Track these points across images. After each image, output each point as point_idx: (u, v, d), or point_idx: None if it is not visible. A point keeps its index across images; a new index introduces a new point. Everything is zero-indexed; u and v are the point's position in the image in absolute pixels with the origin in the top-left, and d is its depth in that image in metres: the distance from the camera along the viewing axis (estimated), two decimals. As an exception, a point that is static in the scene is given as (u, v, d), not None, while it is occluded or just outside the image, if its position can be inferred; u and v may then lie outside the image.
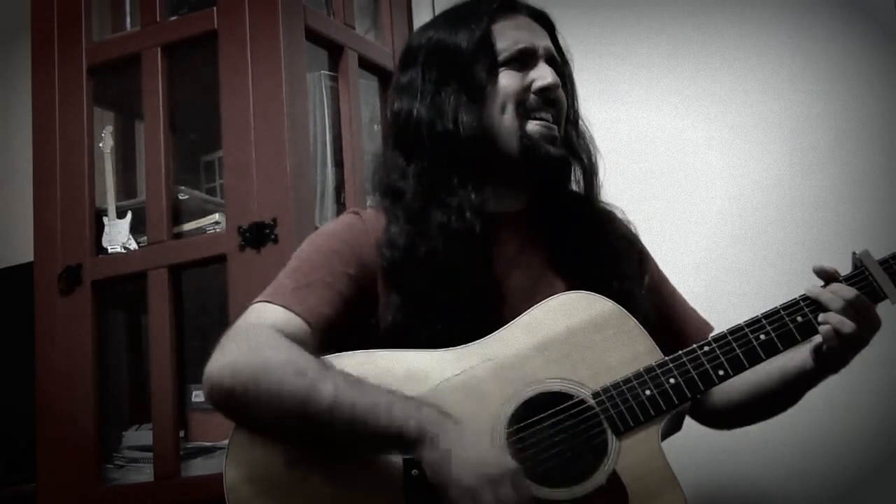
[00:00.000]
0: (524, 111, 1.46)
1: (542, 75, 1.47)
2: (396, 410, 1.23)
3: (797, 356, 1.41)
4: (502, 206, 1.49)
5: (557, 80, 1.48)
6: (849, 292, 1.34)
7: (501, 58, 1.48)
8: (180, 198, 2.06)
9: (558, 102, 1.49)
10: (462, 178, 1.43)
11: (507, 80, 1.47)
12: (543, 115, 1.47)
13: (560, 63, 1.53)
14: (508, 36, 1.49)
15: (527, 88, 1.47)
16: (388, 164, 1.50)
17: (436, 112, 1.46)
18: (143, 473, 2.00)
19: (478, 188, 1.43)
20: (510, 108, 1.46)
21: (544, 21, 1.55)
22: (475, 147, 1.44)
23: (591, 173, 1.52)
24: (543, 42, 1.51)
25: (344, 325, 1.38)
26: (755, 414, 1.54)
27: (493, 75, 1.47)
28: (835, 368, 1.40)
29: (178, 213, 2.05)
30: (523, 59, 1.48)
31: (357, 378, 1.27)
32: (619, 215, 1.55)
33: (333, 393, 1.24)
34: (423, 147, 1.46)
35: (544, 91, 1.46)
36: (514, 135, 1.45)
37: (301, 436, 1.27)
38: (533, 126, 1.46)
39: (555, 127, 1.48)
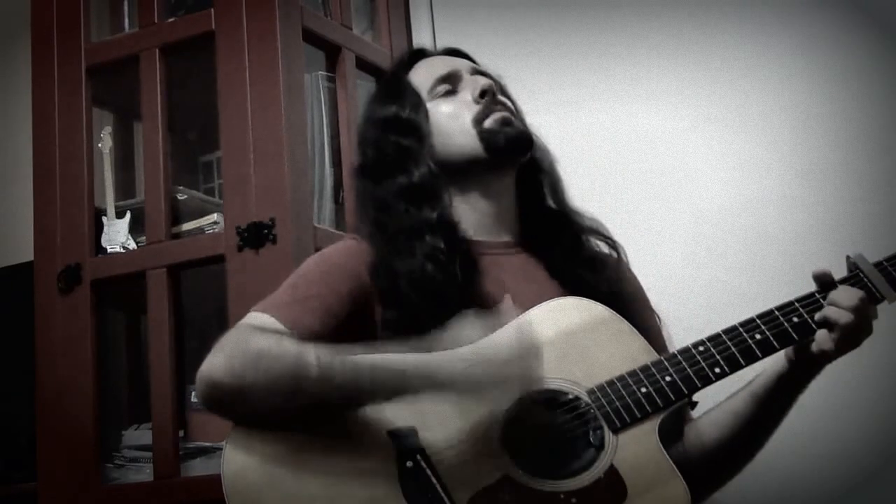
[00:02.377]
0: (477, 118, 1.50)
1: (476, 83, 1.52)
2: (379, 373, 1.26)
3: (766, 376, 1.41)
4: (497, 237, 1.51)
5: (491, 81, 1.52)
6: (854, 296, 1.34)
7: (426, 92, 1.52)
8: (179, 198, 2.06)
9: (504, 101, 1.53)
10: (432, 204, 1.46)
11: (444, 106, 1.52)
12: (496, 114, 1.50)
13: (491, 77, 1.56)
14: (423, 73, 1.55)
15: (470, 102, 1.51)
16: (362, 194, 1.54)
17: (389, 168, 1.49)
18: (143, 473, 2.00)
19: (436, 205, 1.46)
20: (466, 121, 1.49)
21: (459, 54, 1.60)
22: (434, 180, 1.47)
23: (555, 183, 1.55)
24: (464, 64, 1.56)
25: (335, 339, 1.39)
26: (740, 453, 1.51)
27: (424, 111, 1.51)
28: (814, 367, 1.39)
29: (177, 213, 2.05)
30: (449, 86, 1.53)
31: (333, 347, 1.29)
32: (604, 239, 1.57)
33: (316, 360, 1.25)
34: (391, 188, 1.49)
35: (485, 93, 1.50)
36: (472, 136, 1.49)
37: (297, 409, 1.28)
38: (489, 121, 1.49)
39: (509, 115, 1.50)
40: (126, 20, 2.24)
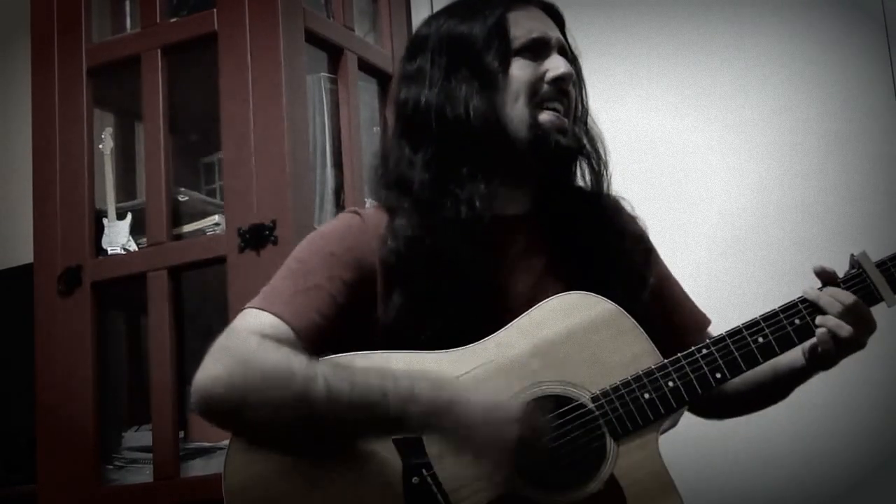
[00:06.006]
0: (537, 101, 1.44)
1: (556, 65, 1.44)
2: (393, 404, 1.24)
3: (787, 354, 1.41)
4: (507, 209, 1.48)
5: (571, 70, 1.46)
6: (847, 297, 1.34)
7: (515, 46, 1.45)
8: (180, 199, 2.06)
9: (570, 94, 1.47)
10: (472, 169, 1.42)
11: (521, 69, 1.45)
12: (556, 105, 1.44)
13: (570, 57, 1.52)
14: (522, 25, 1.46)
15: (540, 78, 1.44)
16: (393, 155, 1.46)
17: (446, 98, 1.43)
18: (143, 474, 2.01)
19: (488, 180, 1.43)
20: (523, 98, 1.44)
21: (555, 14, 1.52)
22: (486, 135, 1.41)
23: (599, 168, 1.50)
24: (555, 33, 1.49)
25: (338, 329, 1.37)
26: (749, 405, 1.54)
27: (506, 63, 1.44)
28: (825, 368, 1.40)
29: (178, 215, 2.05)
30: (536, 49, 1.46)
31: (345, 368, 1.27)
32: (628, 209, 1.53)
33: (325, 392, 1.23)
34: (431, 135, 1.43)
35: (558, 81, 1.43)
36: (524, 124, 1.42)
37: (302, 437, 1.26)
38: (545, 116, 1.43)
39: (566, 119, 1.45)
40: (128, 20, 2.23)
